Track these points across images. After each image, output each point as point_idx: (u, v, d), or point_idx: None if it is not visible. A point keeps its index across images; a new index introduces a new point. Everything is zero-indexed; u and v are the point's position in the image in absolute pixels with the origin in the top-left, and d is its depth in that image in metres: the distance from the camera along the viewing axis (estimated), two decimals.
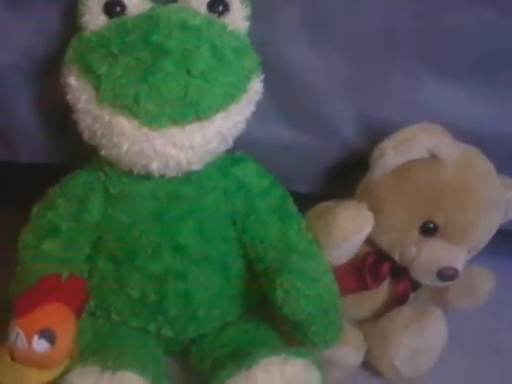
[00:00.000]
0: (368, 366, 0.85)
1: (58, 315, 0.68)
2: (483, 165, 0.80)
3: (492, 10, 0.76)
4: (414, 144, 0.76)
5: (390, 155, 0.76)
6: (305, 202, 0.83)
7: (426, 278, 0.81)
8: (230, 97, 0.70)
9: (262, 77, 0.75)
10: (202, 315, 0.78)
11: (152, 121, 0.67)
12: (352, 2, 0.76)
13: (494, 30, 0.77)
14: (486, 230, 0.80)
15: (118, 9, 0.71)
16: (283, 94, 0.81)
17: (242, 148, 0.79)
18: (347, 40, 0.78)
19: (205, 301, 0.78)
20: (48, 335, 0.66)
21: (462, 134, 0.80)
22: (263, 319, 0.81)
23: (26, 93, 0.80)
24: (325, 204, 0.84)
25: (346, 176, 0.85)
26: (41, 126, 0.82)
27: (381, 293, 0.85)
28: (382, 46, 0.79)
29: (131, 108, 0.67)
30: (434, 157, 0.76)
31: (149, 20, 0.69)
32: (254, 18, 0.75)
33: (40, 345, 0.66)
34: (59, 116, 0.76)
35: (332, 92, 0.81)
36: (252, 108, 0.74)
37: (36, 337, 0.66)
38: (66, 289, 0.70)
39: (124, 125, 0.67)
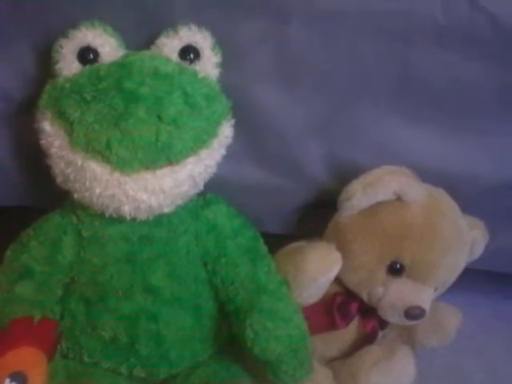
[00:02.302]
0: None
1: (29, 358, 0.68)
2: (448, 206, 0.81)
3: (458, 56, 0.78)
4: (381, 187, 0.77)
5: (357, 198, 0.78)
6: (275, 242, 0.84)
7: (393, 317, 0.82)
8: (201, 141, 0.71)
9: (233, 121, 0.76)
10: (174, 356, 0.78)
11: (124, 166, 0.68)
12: (322, 45, 0.78)
13: (459, 74, 0.80)
14: (451, 269, 0.82)
15: (92, 56, 0.72)
16: (254, 136, 0.82)
17: (214, 189, 0.80)
18: (317, 83, 0.80)
19: (176, 341, 0.78)
20: (19, 378, 0.66)
21: (428, 174, 0.82)
22: (234, 360, 0.81)
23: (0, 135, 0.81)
24: (295, 244, 0.85)
25: (316, 216, 0.85)
26: (14, 169, 0.83)
27: (350, 332, 0.86)
28: (351, 88, 0.80)
29: (103, 153, 0.68)
30: (399, 199, 0.78)
31: (122, 67, 0.71)
32: (225, 63, 0.77)
33: None
34: (32, 159, 0.77)
35: (302, 133, 0.83)
36: (223, 152, 0.75)
37: (7, 380, 0.66)
38: (37, 331, 0.70)
39: (96, 170, 0.68)
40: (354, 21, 0.77)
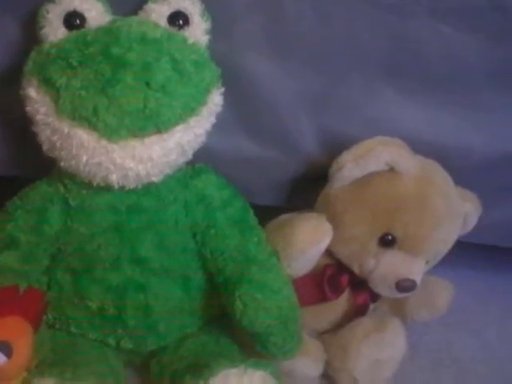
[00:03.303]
0: (328, 377, 0.85)
1: (15, 328, 0.68)
2: (441, 177, 0.81)
3: (450, 27, 0.77)
4: (373, 157, 0.76)
5: (349, 168, 0.77)
6: (265, 214, 0.84)
7: (384, 289, 0.82)
8: (190, 109, 0.70)
9: (223, 89, 0.75)
10: (162, 327, 0.78)
11: (111, 133, 0.67)
12: (315, 15, 0.77)
13: (453, 46, 0.79)
14: (443, 241, 0.81)
15: (78, 21, 0.71)
16: (245, 107, 0.82)
17: (204, 160, 0.80)
18: (309, 55, 0.79)
19: (164, 313, 0.78)
20: (5, 348, 0.66)
21: (421, 146, 0.81)
22: (223, 331, 0.81)
23: None
24: (285, 216, 0.84)
25: (307, 189, 0.85)
26: (0, 138, 0.82)
27: (340, 304, 0.86)
28: (344, 61, 0.80)
29: (90, 120, 0.67)
30: (392, 170, 0.77)
31: (109, 33, 0.69)
32: (215, 31, 0.76)
33: None
34: (18, 127, 0.76)
35: (293, 106, 0.82)
36: (212, 120, 0.74)
37: None
38: (23, 301, 0.69)
39: (83, 137, 0.67)
40: None
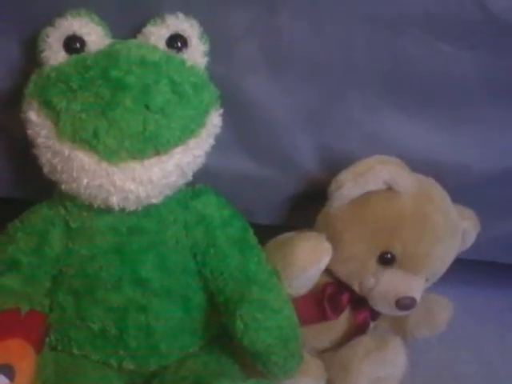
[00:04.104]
0: None
1: (17, 350, 0.68)
2: (439, 195, 0.81)
3: (449, 45, 0.78)
4: (371, 176, 0.77)
5: (348, 187, 0.77)
6: (265, 233, 0.84)
7: (384, 307, 0.82)
8: (189, 131, 0.71)
9: (222, 111, 0.76)
10: (164, 348, 0.78)
11: (111, 156, 0.67)
12: (312, 34, 0.77)
13: (450, 64, 0.79)
14: (442, 259, 0.81)
15: (78, 45, 0.72)
16: (244, 126, 0.82)
17: (204, 180, 0.80)
18: (306, 73, 0.80)
19: (166, 333, 0.78)
20: (7, 371, 0.66)
21: (419, 164, 0.81)
22: (224, 351, 0.81)
23: None
24: (285, 235, 0.85)
25: (306, 207, 0.85)
26: (0, 160, 0.83)
27: (341, 323, 0.86)
28: (341, 78, 0.80)
29: (90, 143, 0.67)
30: (390, 188, 0.77)
31: (108, 56, 0.70)
32: (214, 52, 0.76)
33: None
34: (19, 150, 0.77)
35: (292, 124, 0.83)
36: (211, 142, 0.75)
37: None
38: (25, 323, 0.69)
39: (83, 160, 0.68)
40: (343, 10, 0.76)
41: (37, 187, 0.76)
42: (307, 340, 0.82)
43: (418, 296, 0.80)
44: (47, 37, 0.72)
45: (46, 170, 0.71)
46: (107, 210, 0.72)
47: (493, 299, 1.06)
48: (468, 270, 0.97)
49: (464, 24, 0.77)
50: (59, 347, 0.78)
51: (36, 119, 0.70)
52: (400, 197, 0.78)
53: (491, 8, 0.75)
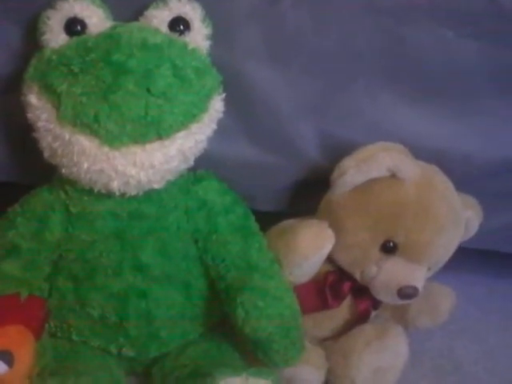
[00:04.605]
0: None
1: (16, 336, 0.68)
2: (443, 184, 0.80)
3: (451, 32, 0.77)
4: (374, 162, 0.76)
5: (351, 174, 0.77)
6: (267, 219, 0.83)
7: (386, 296, 0.81)
8: (191, 116, 0.70)
9: (224, 96, 0.75)
10: (164, 334, 0.78)
11: (113, 140, 0.67)
12: (314, 22, 0.77)
13: (453, 51, 0.79)
14: (445, 248, 0.81)
15: (79, 27, 0.71)
16: (246, 113, 0.82)
17: (205, 166, 0.80)
18: (311, 60, 0.79)
19: (166, 320, 0.77)
20: (6, 357, 0.66)
21: (422, 152, 0.81)
22: (225, 338, 0.81)
23: None
24: (286, 222, 0.84)
25: (309, 194, 0.85)
26: (0, 144, 0.82)
27: (342, 311, 0.86)
28: (344, 67, 0.80)
29: (91, 127, 0.67)
30: (393, 176, 0.77)
31: (110, 39, 0.69)
32: (216, 37, 0.76)
33: None
34: (19, 134, 0.76)
35: (294, 111, 0.82)
36: (214, 127, 0.74)
37: None
38: (24, 309, 0.69)
39: (84, 144, 0.67)
40: None
41: (37, 171, 0.75)
42: (308, 328, 0.81)
43: (420, 285, 0.80)
44: (48, 19, 0.71)
45: (46, 154, 0.71)
46: (108, 195, 0.71)
47: (495, 289, 1.05)
48: (470, 258, 0.96)
49: (467, 12, 0.76)
50: (58, 333, 0.78)
51: (36, 103, 0.69)
52: (403, 184, 0.77)
53: None
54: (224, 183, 0.80)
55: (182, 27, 0.73)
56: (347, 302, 0.85)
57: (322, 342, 0.86)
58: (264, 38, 0.78)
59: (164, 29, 0.73)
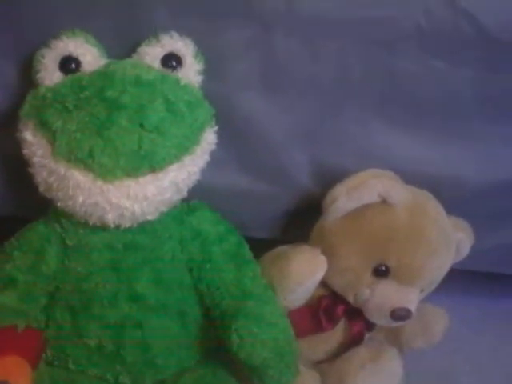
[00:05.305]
0: None
1: (14, 367, 0.69)
2: (433, 208, 0.81)
3: (442, 62, 0.79)
4: (365, 189, 0.77)
5: (342, 200, 0.78)
6: (261, 246, 0.84)
7: (379, 318, 0.82)
8: (184, 148, 0.71)
9: (217, 127, 0.76)
10: (160, 363, 0.78)
11: (106, 174, 0.68)
12: (306, 53, 0.78)
13: (444, 80, 0.80)
14: (437, 270, 0.82)
15: (74, 65, 0.73)
16: (239, 143, 0.83)
17: (199, 196, 0.80)
18: (301, 90, 0.80)
19: (162, 348, 0.78)
20: None
21: (413, 177, 0.82)
22: (220, 364, 0.81)
23: None
24: (280, 249, 0.85)
25: (301, 221, 0.85)
26: None
27: (336, 334, 0.86)
28: (336, 95, 0.81)
29: (86, 162, 0.68)
30: (384, 201, 0.78)
31: (103, 76, 0.71)
32: (209, 70, 0.77)
33: None
34: (15, 169, 0.77)
35: (286, 140, 0.83)
36: (206, 158, 0.75)
37: None
38: (22, 340, 0.70)
39: (79, 178, 0.68)
40: (337, 28, 0.77)
41: (32, 205, 0.76)
42: (303, 352, 0.82)
43: (413, 307, 0.81)
44: (43, 58, 0.73)
45: (41, 188, 0.72)
46: (103, 227, 0.72)
47: (488, 310, 1.06)
48: (463, 280, 0.97)
49: (457, 41, 0.77)
50: (55, 362, 0.78)
51: (32, 139, 0.71)
52: (394, 210, 0.78)
53: (484, 24, 0.76)
54: (217, 213, 0.81)
55: (174, 63, 0.75)
56: (341, 324, 0.86)
57: (317, 365, 0.87)
58: (256, 70, 0.79)
59: (157, 65, 0.74)
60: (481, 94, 0.81)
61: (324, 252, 0.80)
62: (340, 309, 0.84)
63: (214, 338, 0.80)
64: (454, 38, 0.77)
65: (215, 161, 0.77)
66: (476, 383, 0.94)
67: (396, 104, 0.81)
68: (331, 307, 0.84)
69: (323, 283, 0.82)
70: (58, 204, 0.71)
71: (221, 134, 0.76)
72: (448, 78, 0.80)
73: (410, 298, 0.81)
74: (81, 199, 0.69)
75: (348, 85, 0.80)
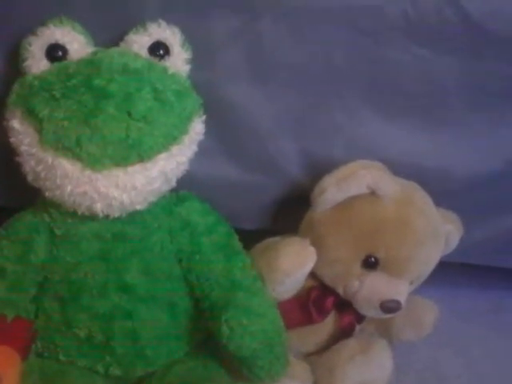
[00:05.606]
0: None
1: (3, 358, 0.69)
2: (422, 199, 0.82)
3: (428, 50, 0.79)
4: (354, 180, 0.77)
5: (331, 192, 0.78)
6: (250, 238, 0.84)
7: (369, 310, 0.82)
8: (172, 138, 0.71)
9: (204, 117, 0.76)
10: (150, 354, 0.78)
11: (94, 163, 0.68)
12: (296, 41, 0.78)
13: (430, 69, 0.80)
14: (426, 262, 0.82)
15: (60, 53, 0.73)
16: (227, 133, 0.83)
17: (188, 187, 0.80)
18: (291, 79, 0.80)
19: (152, 339, 0.78)
20: None
21: (402, 169, 0.82)
22: (210, 356, 0.81)
23: None
24: (269, 240, 0.85)
25: (291, 212, 0.86)
26: None
27: (326, 326, 0.86)
28: (324, 84, 0.81)
29: (74, 151, 0.68)
30: (373, 193, 0.78)
31: (90, 64, 0.71)
32: (196, 60, 0.77)
33: None
34: (2, 158, 0.77)
35: (275, 130, 0.83)
36: (195, 148, 0.75)
37: None
38: (11, 331, 0.70)
39: (67, 167, 0.68)
40: (324, 17, 0.77)
41: (20, 195, 0.76)
42: (293, 343, 0.82)
43: (402, 299, 0.81)
44: (29, 45, 0.73)
45: (29, 177, 0.72)
46: (92, 217, 0.72)
47: (477, 301, 1.06)
48: (452, 272, 0.97)
49: (442, 29, 0.78)
50: (45, 354, 0.78)
51: (19, 127, 0.70)
52: (382, 201, 0.78)
53: (470, 13, 0.76)
54: (206, 203, 0.81)
55: (161, 52, 0.75)
56: (331, 316, 0.86)
57: (307, 356, 0.87)
58: (244, 59, 0.79)
59: (144, 54, 0.74)
60: (466, 84, 0.81)
61: (313, 243, 0.80)
62: (330, 301, 0.84)
63: (204, 329, 0.81)
64: (440, 26, 0.77)
65: (203, 151, 0.77)
66: (466, 375, 0.94)
67: (383, 94, 0.82)
68: (321, 299, 0.84)
69: (313, 274, 0.82)
70: (47, 194, 0.71)
71: (208, 124, 0.76)
72: (434, 66, 0.80)
73: (399, 289, 0.81)
74: (69, 188, 0.69)
75: (335, 74, 0.80)
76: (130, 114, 0.69)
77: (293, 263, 0.79)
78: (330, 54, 0.79)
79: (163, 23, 0.75)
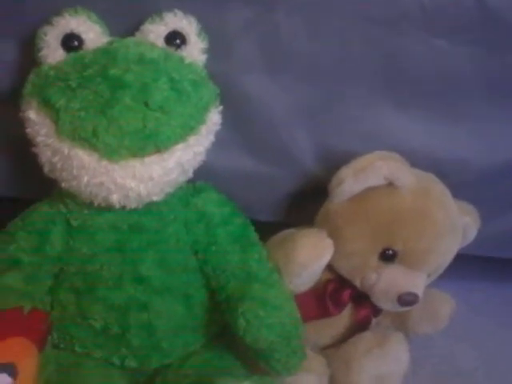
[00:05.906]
0: None
1: (19, 349, 0.68)
2: (439, 191, 0.81)
3: (444, 40, 0.78)
4: (372, 171, 0.77)
5: (349, 183, 0.77)
6: (266, 229, 0.84)
7: (386, 303, 0.82)
8: (189, 128, 0.71)
9: (221, 108, 0.76)
10: (166, 345, 0.78)
11: (111, 153, 0.67)
12: (310, 32, 0.78)
13: (446, 60, 0.79)
14: (444, 254, 0.81)
15: (76, 43, 0.72)
16: (243, 124, 0.82)
17: (204, 178, 0.80)
18: (306, 70, 0.80)
19: (168, 331, 0.78)
20: (9, 369, 0.66)
21: (419, 160, 0.82)
22: (226, 348, 0.81)
23: None
24: (286, 232, 0.85)
25: (307, 203, 0.85)
26: (0, 159, 0.83)
27: (342, 319, 0.86)
28: (341, 75, 0.81)
29: (90, 141, 0.67)
30: (391, 184, 0.77)
31: (106, 54, 0.70)
32: (212, 50, 0.77)
33: (1, 379, 0.66)
34: (19, 149, 0.76)
35: (290, 121, 0.83)
36: (211, 139, 0.75)
37: None
38: (27, 322, 0.70)
39: (83, 158, 0.68)
40: (339, 8, 0.77)
41: (37, 186, 0.76)
42: (309, 336, 0.81)
43: (420, 292, 0.80)
44: (45, 35, 0.72)
45: (46, 168, 0.71)
46: (108, 208, 0.72)
47: (494, 294, 1.06)
48: (469, 265, 0.97)
49: (460, 20, 0.77)
50: (61, 345, 0.78)
51: (35, 118, 0.70)
52: (400, 192, 0.78)
53: (488, 4, 0.76)
54: (223, 194, 0.81)
55: (178, 41, 0.74)
56: (348, 309, 0.85)
57: (323, 349, 0.87)
58: (260, 49, 0.78)
59: (160, 43, 0.74)
60: (483, 75, 0.81)
61: (330, 235, 0.80)
62: (346, 293, 0.84)
63: (220, 321, 0.80)
64: (457, 16, 0.77)
65: (219, 142, 0.76)
66: (483, 367, 0.94)
67: (399, 85, 0.81)
68: (338, 292, 0.83)
69: (330, 267, 0.82)
70: (63, 184, 0.71)
71: (224, 115, 0.76)
72: (451, 57, 0.79)
73: (417, 282, 0.80)
74: (85, 179, 0.68)
75: (351, 65, 0.80)
76: (146, 104, 0.68)
77: (310, 255, 0.78)
78: (345, 45, 0.79)
79: (179, 12, 0.74)
